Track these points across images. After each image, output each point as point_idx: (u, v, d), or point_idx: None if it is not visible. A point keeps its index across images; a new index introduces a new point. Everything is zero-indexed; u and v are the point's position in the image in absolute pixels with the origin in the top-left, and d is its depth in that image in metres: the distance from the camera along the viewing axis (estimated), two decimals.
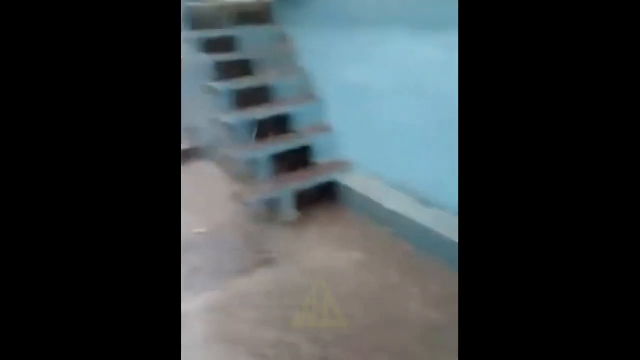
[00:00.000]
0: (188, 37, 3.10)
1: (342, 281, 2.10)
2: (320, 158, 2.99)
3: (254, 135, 2.87)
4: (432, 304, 1.88)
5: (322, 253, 2.36)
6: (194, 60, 3.11)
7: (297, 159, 2.91)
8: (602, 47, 0.68)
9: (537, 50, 0.71)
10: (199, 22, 3.23)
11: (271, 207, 2.75)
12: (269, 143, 2.86)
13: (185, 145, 3.78)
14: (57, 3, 0.70)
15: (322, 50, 2.96)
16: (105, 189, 0.72)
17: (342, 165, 2.93)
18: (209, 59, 3.04)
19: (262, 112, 2.90)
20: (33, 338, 0.67)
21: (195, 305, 2.00)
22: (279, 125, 2.97)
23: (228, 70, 3.04)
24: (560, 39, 0.70)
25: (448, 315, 1.79)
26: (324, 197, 2.87)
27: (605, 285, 0.68)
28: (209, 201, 3.05)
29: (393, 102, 2.47)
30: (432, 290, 1.96)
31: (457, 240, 2.03)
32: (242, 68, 3.13)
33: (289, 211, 2.73)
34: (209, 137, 3.60)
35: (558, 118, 0.70)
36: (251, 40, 3.25)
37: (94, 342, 0.70)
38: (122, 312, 0.72)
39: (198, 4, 3.31)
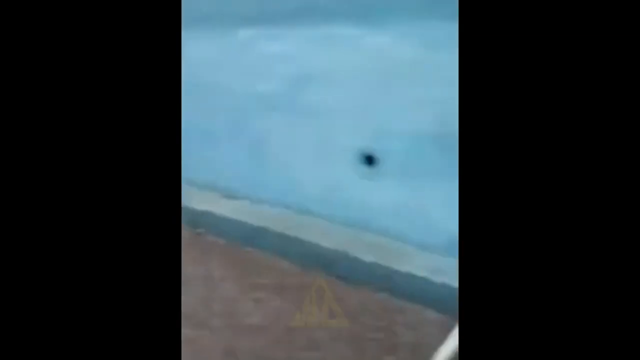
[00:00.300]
0: None
1: None
2: None
3: None
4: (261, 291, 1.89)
5: None
6: None
7: None
8: (600, 50, 0.61)
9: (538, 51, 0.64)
10: None
11: None
12: None
13: None
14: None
15: None
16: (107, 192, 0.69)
17: None
18: None
19: None
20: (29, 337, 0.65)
21: None
22: None
23: None
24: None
25: (280, 300, 1.80)
26: None
27: (601, 309, 0.60)
28: None
29: (185, 103, 2.40)
30: (258, 281, 1.98)
31: (265, 225, 2.12)
32: None
33: None
34: None
35: (558, 122, 0.63)
36: None
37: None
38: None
39: None
